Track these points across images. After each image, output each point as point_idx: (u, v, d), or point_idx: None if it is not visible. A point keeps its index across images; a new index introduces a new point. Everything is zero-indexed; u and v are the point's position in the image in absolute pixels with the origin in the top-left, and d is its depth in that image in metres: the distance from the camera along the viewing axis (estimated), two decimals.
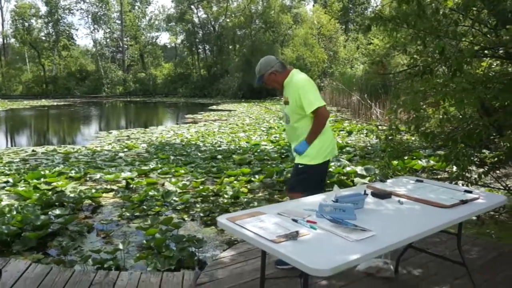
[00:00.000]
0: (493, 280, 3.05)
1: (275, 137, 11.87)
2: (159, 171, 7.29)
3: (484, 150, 5.32)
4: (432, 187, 2.86)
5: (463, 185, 4.56)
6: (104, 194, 5.81)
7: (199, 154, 9.12)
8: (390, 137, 5.20)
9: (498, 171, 5.08)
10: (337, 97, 25.93)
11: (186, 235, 4.08)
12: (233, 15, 41.10)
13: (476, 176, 4.87)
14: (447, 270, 3.16)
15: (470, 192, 2.71)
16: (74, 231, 4.34)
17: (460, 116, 4.82)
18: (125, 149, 9.84)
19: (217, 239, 4.25)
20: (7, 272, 2.92)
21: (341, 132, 12.59)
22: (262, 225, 2.04)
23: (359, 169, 6.35)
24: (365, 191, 2.50)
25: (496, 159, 5.13)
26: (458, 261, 2.77)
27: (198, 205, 5.27)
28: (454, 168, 4.92)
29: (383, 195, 2.57)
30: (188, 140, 11.34)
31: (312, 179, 3.35)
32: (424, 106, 4.11)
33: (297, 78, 3.22)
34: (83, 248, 3.97)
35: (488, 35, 4.44)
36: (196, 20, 48.65)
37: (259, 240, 1.88)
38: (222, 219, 2.12)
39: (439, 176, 6.82)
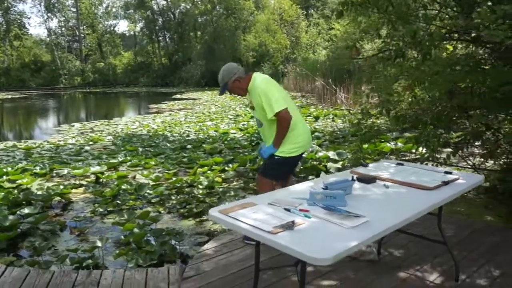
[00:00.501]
0: (471, 256, 3.16)
1: (243, 124, 11.83)
2: (128, 163, 7.11)
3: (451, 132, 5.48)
4: (413, 169, 2.92)
5: (432, 166, 4.71)
6: (73, 190, 5.61)
7: (168, 144, 8.96)
8: (362, 121, 5.28)
9: (463, 151, 5.26)
10: (301, 82, 26.07)
11: (165, 228, 4.01)
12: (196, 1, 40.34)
13: (444, 156, 5.03)
14: (426, 249, 3.25)
15: (450, 173, 2.78)
16: (45, 230, 4.16)
17: (429, 99, 4.93)
18: (90, 142, 9.53)
19: (196, 231, 4.19)
20: None
21: (308, 117, 12.70)
22: (256, 216, 2.01)
23: (331, 154, 6.42)
24: (352, 177, 2.51)
25: (461, 139, 5.32)
26: (438, 240, 2.85)
27: (173, 197, 5.18)
28: (423, 150, 5.07)
29: (368, 180, 2.60)
30: (155, 131, 11.11)
31: (286, 169, 3.47)
32: (397, 90, 4.17)
33: (258, 83, 3.27)
34: (58, 247, 3.82)
35: (455, 19, 4.54)
36: (155, 7, 47.49)
37: (255, 232, 1.85)
38: (214, 212, 2.07)
39: (406, 158, 7.00)
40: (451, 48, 5.19)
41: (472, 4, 4.07)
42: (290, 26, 38.89)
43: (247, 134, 10.01)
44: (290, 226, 1.88)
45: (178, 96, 26.84)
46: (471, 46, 4.76)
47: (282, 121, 3.17)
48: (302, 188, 2.51)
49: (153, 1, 46.90)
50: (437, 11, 4.17)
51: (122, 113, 19.37)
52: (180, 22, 44.55)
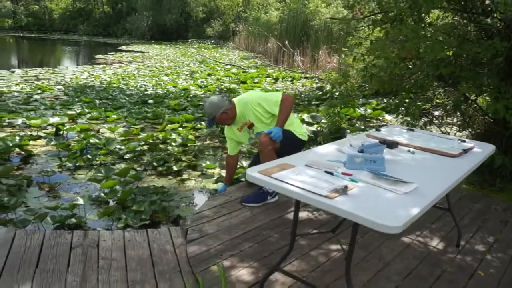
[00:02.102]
0: (463, 223, 3.25)
1: (201, 81, 11.41)
2: (88, 116, 6.61)
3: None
4: (427, 136, 2.88)
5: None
6: (31, 142, 5.11)
7: (127, 98, 8.43)
8: (343, 85, 5.22)
9: (440, 120, 5.39)
10: (253, 42, 25.58)
11: (151, 187, 3.75)
12: None
13: (421, 124, 5.13)
14: (423, 216, 3.28)
15: (464, 141, 2.78)
16: (11, 185, 3.74)
17: (414, 67, 4.93)
18: (39, 91, 8.72)
19: (179, 190, 3.97)
20: None
21: (268, 78, 12.50)
22: (301, 178, 1.85)
23: (306, 117, 6.35)
24: (384, 140, 2.42)
25: (438, 108, 5.44)
26: (442, 207, 2.88)
27: (147, 154, 4.87)
28: (401, 117, 5.11)
29: (391, 145, 2.52)
30: (109, 83, 10.40)
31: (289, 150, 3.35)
32: (395, 53, 4.09)
33: (247, 98, 3.36)
34: (29, 204, 3.45)
35: None
36: None
37: (309, 196, 1.70)
38: (253, 173, 1.89)
39: (372, 124, 7.10)
40: (434, 17, 5.21)
41: None
42: None
43: (208, 92, 9.67)
44: (344, 190, 1.75)
45: (124, 47, 25.34)
46: (459, 15, 4.78)
47: (286, 101, 3.22)
48: (329, 150, 2.38)
49: None
50: None
51: (64, 62, 17.95)
52: None
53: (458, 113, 4.88)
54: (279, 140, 3.13)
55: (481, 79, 4.42)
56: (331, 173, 1.95)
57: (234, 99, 3.42)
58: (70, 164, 4.38)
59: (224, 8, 34.96)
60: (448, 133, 5.22)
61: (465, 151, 2.55)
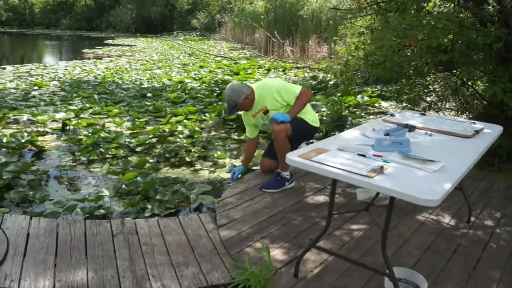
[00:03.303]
0: (470, 201, 3.44)
1: (195, 74, 11.47)
2: (90, 111, 6.66)
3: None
4: (439, 119, 3.05)
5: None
6: (39, 138, 5.17)
7: (124, 92, 8.47)
8: (345, 74, 5.37)
9: (439, 105, 5.59)
10: (239, 33, 25.55)
11: (170, 177, 3.86)
12: None
13: (421, 109, 5.31)
14: None
15: (474, 123, 2.96)
16: (31, 180, 3.82)
17: (409, 54, 5.10)
18: (35, 87, 8.69)
19: (195, 180, 4.09)
20: (9, 229, 2.49)
21: (260, 69, 12.60)
22: (340, 161, 2.00)
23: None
24: (407, 124, 2.58)
25: (437, 93, 5.64)
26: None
27: (158, 146, 4.97)
28: (403, 102, 5.29)
29: (410, 128, 2.68)
30: (103, 77, 10.39)
31: (301, 138, 3.67)
32: (397, 42, 4.25)
33: (268, 85, 3.47)
34: (53, 198, 3.54)
35: None
36: None
37: (352, 176, 1.85)
38: (294, 157, 2.03)
39: (370, 111, 7.29)
40: (431, 5, 5.37)
41: None
42: None
43: (204, 84, 9.74)
44: (380, 170, 1.90)
45: (110, 41, 25.08)
46: (454, 4, 4.95)
47: (304, 95, 3.41)
48: (354, 135, 2.54)
49: None
50: None
51: (49, 57, 17.73)
52: None
53: (455, 97, 5.08)
54: (286, 121, 3.30)
55: (479, 64, 4.62)
56: (363, 155, 2.10)
57: (253, 85, 3.55)
58: (84, 158, 4.47)
59: None
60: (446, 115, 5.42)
61: (477, 132, 2.72)
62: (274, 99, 3.41)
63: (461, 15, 4.79)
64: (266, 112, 3.48)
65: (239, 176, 3.86)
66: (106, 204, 3.38)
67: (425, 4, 4.67)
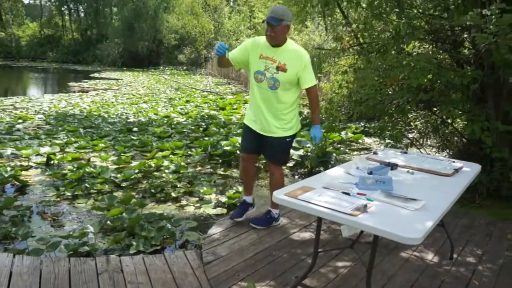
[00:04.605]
0: (452, 237, 3.51)
1: (181, 108, 11.58)
2: (75, 145, 6.63)
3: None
4: (420, 158, 3.15)
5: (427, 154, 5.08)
6: (23, 172, 5.12)
7: (110, 126, 8.49)
8: (329, 112, 5.50)
9: (421, 142, 5.75)
10: (225, 69, 25.97)
11: (157, 213, 3.85)
12: None
13: (403, 146, 5.45)
14: None
15: (454, 161, 3.06)
16: (14, 216, 3.77)
17: (391, 93, 5.28)
18: (20, 120, 8.67)
19: (181, 215, 4.08)
20: None
21: (246, 104, 12.77)
22: (325, 199, 2.05)
23: None
24: (389, 162, 2.66)
25: (418, 131, 5.80)
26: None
27: (144, 182, 4.97)
28: (386, 139, 5.42)
29: (392, 166, 2.76)
30: (89, 111, 10.42)
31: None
32: (379, 81, 4.41)
33: (303, 51, 3.23)
34: (36, 234, 3.48)
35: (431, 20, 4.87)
36: None
37: (337, 214, 1.90)
38: (281, 195, 2.08)
39: (354, 147, 7.42)
40: (410, 47, 5.61)
41: (447, 9, 4.44)
42: (213, 11, 38.43)
43: (190, 119, 9.83)
44: (364, 208, 1.96)
45: (96, 75, 25.28)
46: (433, 46, 5.19)
47: (316, 95, 3.34)
48: (338, 173, 2.60)
49: None
50: (418, 12, 4.47)
51: (34, 90, 17.69)
52: None
53: (436, 135, 5.24)
54: (318, 139, 3.32)
55: (457, 103, 4.81)
56: (348, 194, 2.16)
57: (290, 40, 3.22)
58: (68, 193, 4.43)
59: (195, 35, 35.46)
60: (429, 154, 5.56)
61: (456, 170, 2.82)
62: (297, 67, 3.11)
63: (440, 56, 5.02)
64: (282, 69, 3.10)
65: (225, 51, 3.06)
66: (91, 240, 3.34)
67: (405, 46, 4.88)
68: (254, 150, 3.49)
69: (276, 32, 3.05)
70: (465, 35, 4.12)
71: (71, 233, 3.33)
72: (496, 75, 4.11)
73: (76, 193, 4.48)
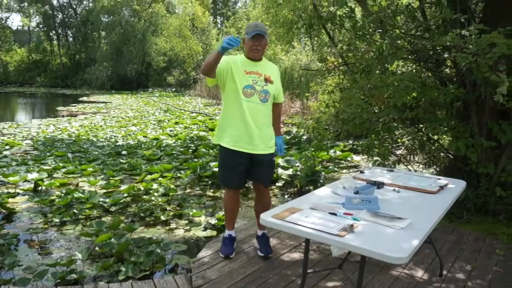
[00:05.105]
0: (441, 253, 3.52)
1: (171, 130, 11.58)
2: (63, 170, 6.59)
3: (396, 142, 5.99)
4: (406, 175, 3.19)
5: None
6: (10, 200, 5.06)
7: (99, 150, 8.45)
8: (317, 131, 5.56)
9: (408, 159, 5.81)
10: (214, 89, 26.11)
11: (146, 238, 3.82)
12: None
13: (390, 163, 5.50)
14: None
15: (439, 178, 3.10)
16: (0, 245, 3.72)
17: (377, 111, 5.36)
18: (7, 146, 8.60)
19: (171, 239, 4.06)
20: None
21: None
22: (312, 220, 2.07)
23: (281, 161, 6.61)
24: (375, 181, 2.69)
25: (404, 148, 5.87)
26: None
27: (133, 205, 4.94)
28: (374, 157, 5.46)
29: (378, 185, 2.79)
30: (77, 135, 10.37)
31: None
32: (366, 100, 4.49)
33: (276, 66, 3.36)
34: (23, 263, 3.43)
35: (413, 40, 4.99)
36: (54, 2, 44.14)
37: (323, 235, 1.91)
38: (268, 218, 2.09)
39: (342, 165, 7.47)
40: (394, 66, 5.73)
41: (428, 29, 4.57)
42: (201, 33, 38.85)
43: (179, 141, 9.83)
44: (351, 228, 1.98)
45: (85, 98, 25.25)
46: (416, 65, 5.31)
47: (280, 110, 3.42)
48: (325, 192, 2.62)
49: None
50: (401, 33, 4.58)
51: (22, 115, 17.60)
52: (84, 21, 41.91)
53: (423, 151, 5.30)
54: (282, 151, 3.34)
55: (442, 120, 4.89)
56: (335, 214, 2.18)
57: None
58: (56, 220, 4.39)
59: (184, 57, 35.72)
60: (415, 171, 5.63)
61: (442, 187, 2.86)
62: (278, 79, 3.23)
63: (423, 75, 5.13)
64: (269, 81, 3.14)
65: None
66: (79, 268, 3.30)
67: (389, 66, 4.98)
68: (243, 183, 3.39)
69: (262, 46, 3.08)
70: (446, 55, 4.22)
71: (58, 260, 3.29)
72: (478, 93, 4.21)
73: (64, 219, 4.44)
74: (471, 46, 3.59)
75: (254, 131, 3.11)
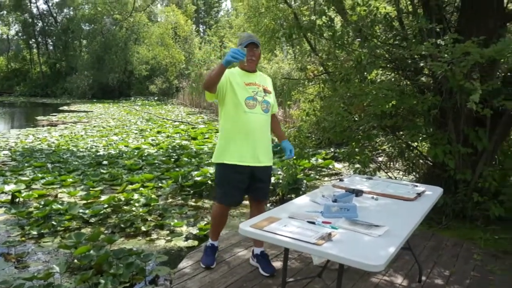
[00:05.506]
0: (420, 259, 3.57)
1: (152, 139, 11.50)
2: (42, 181, 6.47)
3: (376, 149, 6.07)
4: (384, 183, 3.23)
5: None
6: None
7: (79, 160, 8.33)
8: (298, 139, 5.60)
9: (387, 166, 5.89)
10: (197, 98, 26.05)
11: (126, 249, 3.77)
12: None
13: (371, 170, 5.57)
14: None
15: (416, 185, 3.15)
16: None
17: (357, 119, 5.42)
18: None
19: (151, 250, 4.02)
20: None
21: (218, 133, 12.75)
22: (290, 229, 2.08)
23: None
24: (353, 190, 2.71)
25: (384, 156, 5.95)
26: (403, 246, 3.18)
27: (113, 216, 4.88)
28: (355, 164, 5.52)
29: (357, 193, 2.82)
30: (57, 145, 10.21)
31: None
32: (346, 109, 4.54)
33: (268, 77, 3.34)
34: None
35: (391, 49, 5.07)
36: (34, 10, 43.62)
37: (301, 244, 1.92)
38: (246, 227, 2.09)
39: (324, 173, 7.52)
40: (373, 75, 5.82)
41: (406, 39, 4.66)
42: (184, 42, 38.79)
43: (161, 150, 9.76)
44: (329, 237, 1.99)
45: (66, 107, 24.91)
46: (395, 74, 5.40)
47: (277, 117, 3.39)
48: (304, 201, 2.64)
49: (32, 4, 43.11)
50: (379, 42, 4.66)
51: (2, 125, 17.23)
52: (65, 29, 41.46)
53: (402, 159, 5.38)
54: (292, 153, 3.26)
55: (420, 128, 4.98)
56: (313, 223, 2.19)
57: None
58: (34, 232, 4.30)
59: (166, 65, 35.59)
60: (395, 178, 5.70)
61: (419, 194, 2.90)
62: (272, 90, 3.24)
63: (402, 83, 5.22)
64: (268, 91, 3.15)
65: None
66: (57, 281, 3.24)
67: (367, 75, 5.06)
68: (242, 199, 3.27)
69: (256, 56, 3.08)
70: (422, 64, 4.31)
71: (35, 274, 3.22)
72: (454, 100, 4.30)
73: (42, 231, 4.36)
74: (446, 55, 3.67)
75: (257, 143, 3.06)
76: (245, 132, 3.02)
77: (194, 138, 11.71)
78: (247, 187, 3.15)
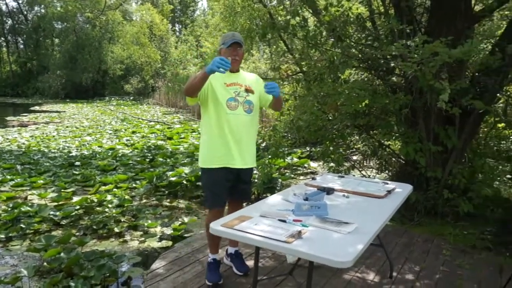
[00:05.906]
0: (391, 256, 3.63)
1: (127, 140, 11.34)
2: (11, 183, 6.30)
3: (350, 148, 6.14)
4: (355, 181, 3.27)
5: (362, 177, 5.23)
6: None
7: (51, 161, 8.14)
8: (273, 138, 5.62)
9: (361, 164, 5.97)
10: (173, 98, 25.81)
11: (98, 251, 3.70)
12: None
13: (345, 169, 5.63)
14: None
15: (387, 183, 3.20)
16: None
17: (331, 118, 5.48)
18: None
19: (124, 251, 3.96)
20: None
21: (194, 133, 12.72)
22: (261, 228, 2.08)
23: None
24: (324, 188, 2.74)
25: (358, 154, 6.02)
26: (375, 243, 3.23)
27: (85, 218, 4.79)
28: (329, 163, 5.58)
29: (328, 191, 2.84)
30: (28, 146, 9.96)
31: None
32: (318, 108, 4.58)
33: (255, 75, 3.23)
34: None
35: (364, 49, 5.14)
36: (3, 7, 42.38)
37: (271, 242, 1.92)
38: (217, 226, 2.08)
39: (300, 172, 7.57)
40: (347, 74, 5.89)
41: (377, 39, 4.73)
42: (160, 41, 38.39)
43: (136, 150, 9.64)
44: (298, 235, 2.00)
45: (37, 108, 24.29)
46: (367, 73, 5.47)
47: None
48: (276, 200, 2.65)
49: (1, 1, 41.91)
50: (351, 42, 4.71)
51: None
52: (36, 28, 40.42)
53: (376, 157, 5.47)
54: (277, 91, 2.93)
55: (392, 127, 5.06)
56: (284, 221, 2.20)
57: None
58: (2, 236, 4.18)
59: (142, 64, 35.13)
60: (369, 176, 5.78)
61: (389, 192, 2.95)
62: (259, 87, 3.07)
63: (375, 83, 5.30)
64: (250, 91, 3.00)
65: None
66: (25, 285, 3.16)
67: (340, 74, 5.11)
68: (226, 202, 3.18)
69: (240, 56, 3.01)
70: (393, 64, 4.38)
71: (2, 278, 3.13)
72: (424, 99, 4.39)
73: (10, 234, 4.25)
74: (415, 56, 3.74)
75: (242, 145, 2.99)
76: (228, 134, 2.95)
77: (170, 138, 11.61)
78: (230, 188, 3.08)
